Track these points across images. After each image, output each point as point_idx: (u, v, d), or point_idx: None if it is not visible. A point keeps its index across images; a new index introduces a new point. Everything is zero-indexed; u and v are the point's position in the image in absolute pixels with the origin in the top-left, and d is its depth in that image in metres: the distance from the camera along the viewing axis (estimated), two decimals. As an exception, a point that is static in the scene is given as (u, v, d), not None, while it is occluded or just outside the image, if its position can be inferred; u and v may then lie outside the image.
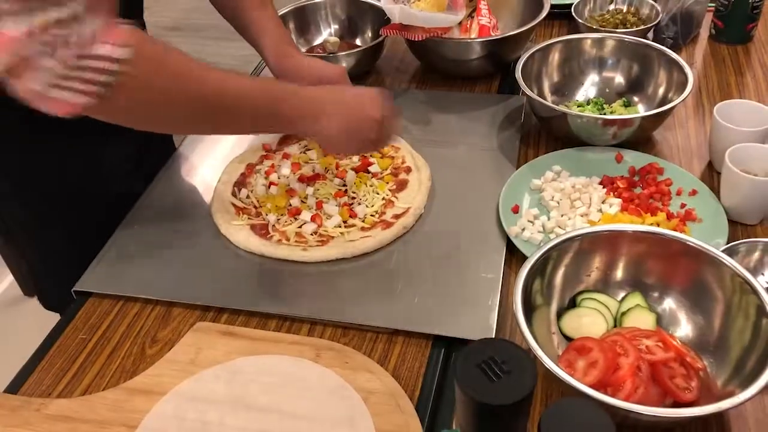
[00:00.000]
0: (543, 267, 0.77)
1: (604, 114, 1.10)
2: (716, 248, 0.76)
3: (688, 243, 0.77)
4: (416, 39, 1.18)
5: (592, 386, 0.65)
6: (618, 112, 1.10)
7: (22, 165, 1.00)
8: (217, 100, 0.82)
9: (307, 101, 0.89)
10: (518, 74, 1.07)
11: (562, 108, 1.03)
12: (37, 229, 1.07)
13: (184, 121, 0.84)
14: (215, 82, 0.82)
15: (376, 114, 0.91)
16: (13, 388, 0.81)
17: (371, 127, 0.91)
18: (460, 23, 1.25)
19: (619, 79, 1.16)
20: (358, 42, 1.40)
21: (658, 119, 1.04)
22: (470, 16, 1.27)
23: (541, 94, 1.13)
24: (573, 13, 1.34)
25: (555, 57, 1.15)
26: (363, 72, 1.32)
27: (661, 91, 1.10)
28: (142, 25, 1.10)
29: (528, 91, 1.04)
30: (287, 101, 0.88)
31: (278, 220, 0.97)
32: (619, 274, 0.81)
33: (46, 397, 0.79)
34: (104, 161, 1.03)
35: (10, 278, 2.31)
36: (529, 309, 0.74)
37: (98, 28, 0.69)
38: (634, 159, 1.02)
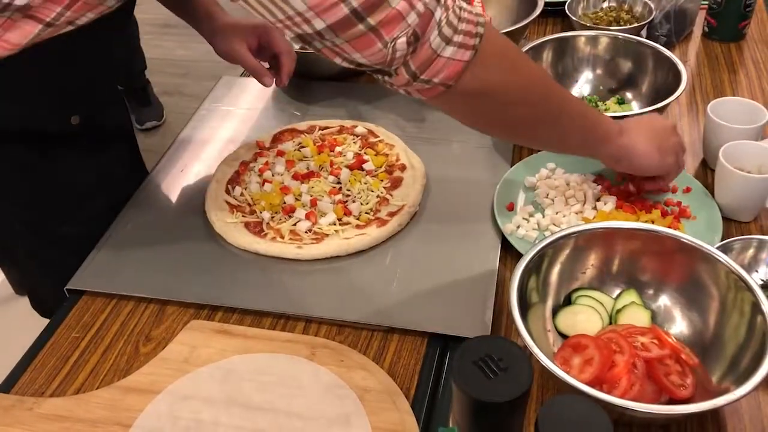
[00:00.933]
0: (538, 264, 0.77)
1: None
2: (711, 245, 0.76)
3: (682, 240, 0.77)
4: None
5: (587, 383, 0.65)
6: (612, 109, 1.10)
7: (20, 175, 0.98)
8: (557, 105, 0.81)
9: (618, 123, 0.87)
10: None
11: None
12: (32, 236, 1.06)
13: (526, 105, 0.80)
14: (555, 85, 0.82)
15: (681, 141, 0.92)
16: (6, 387, 0.80)
17: (673, 149, 0.90)
18: None
19: (613, 76, 1.16)
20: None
21: (652, 117, 1.04)
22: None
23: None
24: (567, 11, 1.34)
25: (549, 54, 1.15)
26: (354, 71, 1.32)
27: (655, 88, 1.10)
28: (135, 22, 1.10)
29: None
30: (606, 118, 0.87)
31: (272, 217, 0.96)
32: (614, 271, 0.81)
33: (39, 396, 0.78)
34: (99, 167, 1.03)
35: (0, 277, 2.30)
36: (524, 306, 0.73)
37: None
38: (629, 156, 1.01)
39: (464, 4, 0.71)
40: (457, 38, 0.69)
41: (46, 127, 0.94)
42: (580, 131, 0.85)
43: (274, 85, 1.10)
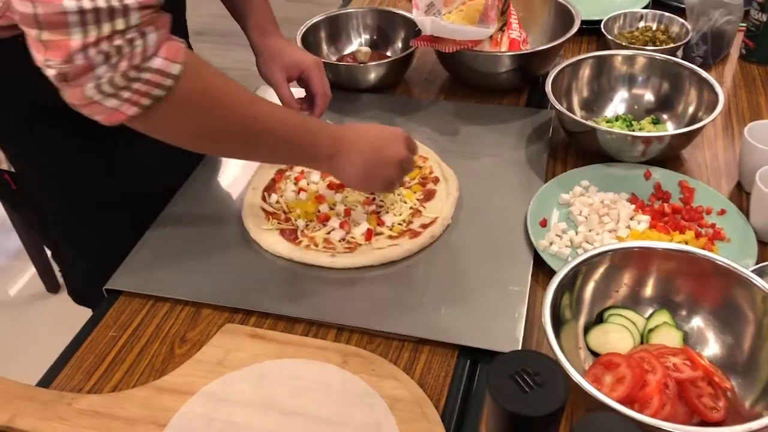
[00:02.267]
0: (572, 281, 0.78)
1: (633, 131, 1.10)
2: (745, 269, 0.76)
3: (718, 263, 0.76)
4: (447, 51, 1.19)
5: (618, 402, 0.65)
6: (647, 129, 1.10)
7: (63, 166, 1.02)
8: (249, 127, 0.83)
9: (328, 138, 0.90)
10: (548, 88, 1.07)
11: (591, 123, 1.04)
12: (73, 228, 1.09)
13: (218, 142, 0.84)
14: (250, 108, 0.83)
15: (399, 153, 0.92)
16: (45, 382, 0.82)
17: (393, 166, 0.92)
18: (491, 36, 1.25)
19: (649, 96, 1.16)
20: (388, 53, 1.41)
21: (687, 138, 1.04)
22: (501, 29, 1.27)
23: (570, 108, 1.13)
24: (602, 30, 1.35)
25: (585, 72, 1.16)
26: (392, 82, 1.34)
27: (690, 109, 1.10)
28: (185, 31, 1.13)
29: (558, 105, 1.05)
30: (310, 136, 0.89)
31: (307, 225, 0.98)
32: (647, 290, 0.81)
33: (77, 393, 0.80)
34: (140, 160, 1.05)
35: (30, 273, 2.35)
36: (557, 323, 0.74)
37: (156, 41, 0.70)
38: (663, 176, 1.02)
39: (156, 65, 0.71)
40: (125, 94, 0.70)
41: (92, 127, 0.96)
42: (282, 155, 0.90)
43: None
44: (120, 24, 0.67)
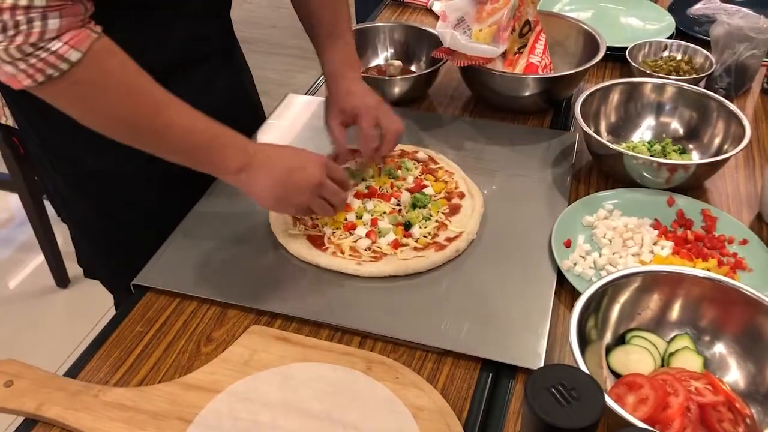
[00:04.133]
0: (599, 301, 0.79)
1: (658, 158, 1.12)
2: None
3: (745, 292, 0.78)
4: (458, 65, 1.24)
5: (641, 422, 0.66)
6: (671, 157, 1.12)
7: (56, 131, 1.04)
8: (147, 125, 0.85)
9: (239, 152, 0.90)
10: (577, 111, 1.09)
11: (618, 148, 1.05)
12: (67, 192, 1.13)
13: (112, 129, 0.86)
14: (154, 107, 0.84)
15: (313, 178, 0.92)
16: (72, 374, 0.83)
17: (305, 191, 0.92)
18: (504, 56, 1.28)
19: (675, 125, 1.18)
20: (413, 68, 1.43)
21: (713, 168, 1.05)
22: (519, 51, 1.29)
23: (597, 132, 1.15)
24: (627, 57, 1.37)
25: (615, 97, 1.18)
26: (416, 97, 1.36)
27: (717, 140, 1.12)
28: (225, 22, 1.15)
29: (586, 128, 1.07)
30: (218, 145, 0.89)
31: (334, 233, 0.99)
32: (671, 314, 0.82)
33: (103, 385, 0.81)
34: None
35: (33, 265, 2.36)
36: (583, 342, 0.75)
37: (60, 26, 0.75)
38: (685, 204, 1.03)
39: (54, 48, 0.75)
40: (21, 65, 0.75)
41: None
42: (184, 159, 0.89)
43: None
44: (23, 0, 0.71)
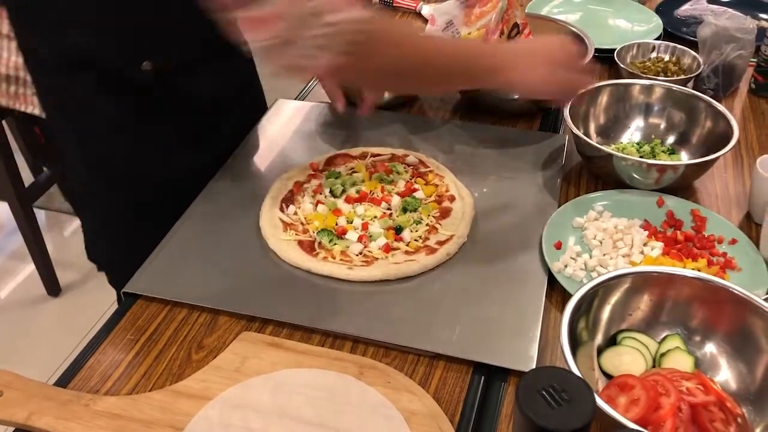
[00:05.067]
0: (590, 303, 0.79)
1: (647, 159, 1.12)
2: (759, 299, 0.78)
3: (735, 292, 0.78)
4: None
5: (633, 422, 0.66)
6: (660, 158, 1.13)
7: (91, 121, 1.07)
8: (425, 61, 0.93)
9: (500, 55, 1.00)
10: (566, 113, 1.09)
11: (608, 149, 1.06)
12: (88, 184, 1.15)
13: (404, 81, 0.96)
14: (425, 46, 0.94)
15: (566, 50, 1.03)
16: (62, 383, 0.83)
17: (565, 65, 1.02)
18: None
19: (664, 126, 1.18)
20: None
21: (701, 168, 1.06)
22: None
23: (586, 134, 1.15)
24: (615, 58, 1.38)
25: (603, 99, 1.18)
26: (406, 101, 1.36)
27: (705, 141, 1.12)
28: None
29: (575, 130, 1.07)
30: (482, 57, 0.99)
31: (330, 241, 0.99)
32: (662, 315, 0.82)
33: (94, 394, 0.81)
34: (163, 135, 1.12)
35: (24, 275, 2.35)
36: (574, 344, 0.75)
37: None
38: (675, 204, 1.04)
39: (345, 15, 0.77)
40: (330, 45, 0.77)
41: (118, 67, 1.02)
42: (459, 82, 1.04)
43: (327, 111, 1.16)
44: None
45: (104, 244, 1.26)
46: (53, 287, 2.27)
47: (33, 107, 1.07)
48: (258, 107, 1.33)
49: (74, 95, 1.04)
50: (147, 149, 1.10)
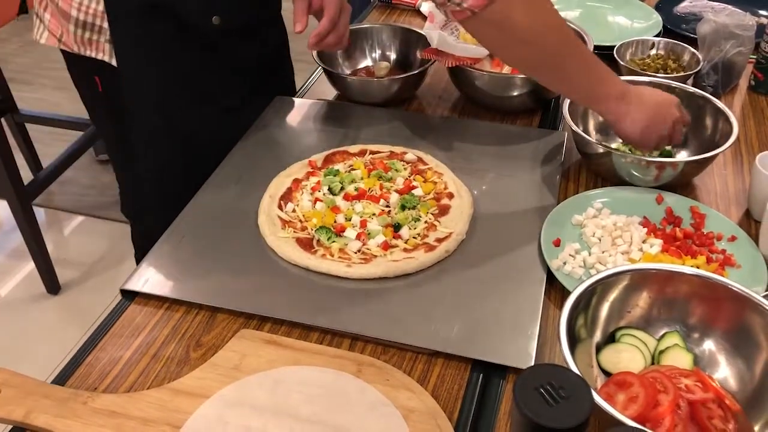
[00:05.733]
0: (588, 300, 0.79)
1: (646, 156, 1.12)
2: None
3: (734, 289, 0.78)
4: (447, 65, 1.24)
5: (631, 420, 0.66)
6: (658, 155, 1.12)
7: (168, 65, 1.17)
8: (567, 55, 0.97)
9: (619, 81, 1.02)
10: (566, 110, 1.09)
11: (607, 146, 1.05)
12: (151, 136, 1.24)
13: (529, 56, 0.97)
14: (572, 38, 0.97)
15: (675, 115, 1.05)
16: (60, 380, 0.83)
17: (668, 121, 1.04)
18: (492, 56, 1.28)
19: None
20: (401, 69, 1.43)
21: (701, 165, 1.06)
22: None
23: (586, 131, 1.15)
24: (615, 55, 1.37)
25: (602, 97, 1.18)
26: (405, 98, 1.36)
27: (704, 138, 1.12)
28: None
29: (574, 127, 1.07)
30: (605, 71, 1.00)
31: (328, 239, 0.99)
32: (661, 312, 0.82)
33: (92, 391, 0.80)
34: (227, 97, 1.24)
35: (23, 273, 2.35)
36: (572, 341, 0.75)
37: None
38: (674, 201, 1.03)
39: None
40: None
41: (192, 18, 1.11)
42: (582, 85, 1.01)
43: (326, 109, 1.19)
44: None
45: (142, 193, 1.33)
46: (52, 285, 2.26)
47: (104, 54, 1.13)
48: (288, 84, 1.44)
49: (148, 43, 1.12)
50: (205, 104, 1.20)
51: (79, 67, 1.21)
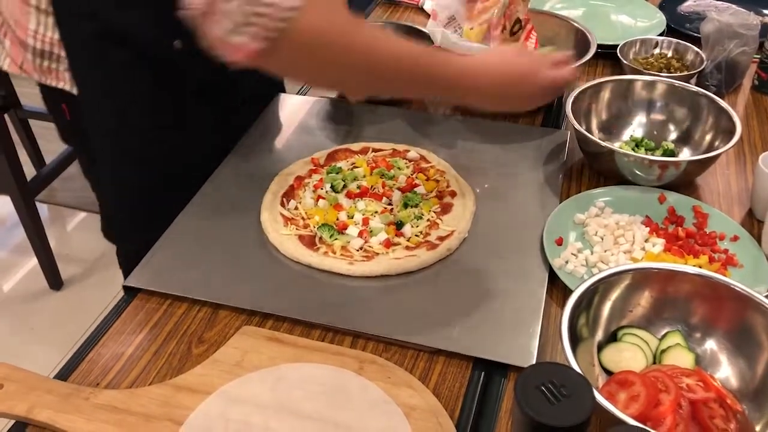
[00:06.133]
0: (590, 299, 0.79)
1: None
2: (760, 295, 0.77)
3: (736, 288, 0.78)
4: None
5: (633, 419, 0.66)
6: (660, 154, 1.12)
7: (126, 97, 1.09)
8: (374, 61, 0.86)
9: (461, 67, 0.94)
10: (568, 109, 1.09)
11: (610, 145, 1.05)
12: (117, 164, 1.17)
13: (343, 78, 0.88)
14: (375, 43, 0.86)
15: (540, 81, 0.98)
16: (62, 376, 0.83)
17: (528, 84, 0.98)
18: None
19: (667, 122, 1.18)
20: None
21: (703, 165, 1.06)
22: (510, 49, 1.29)
23: (588, 130, 1.15)
24: (618, 54, 1.37)
25: (606, 95, 1.18)
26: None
27: (707, 137, 1.12)
28: None
29: (578, 126, 1.07)
30: (442, 67, 0.92)
31: (330, 236, 0.99)
32: (663, 311, 0.82)
33: (94, 387, 0.81)
34: (195, 126, 1.15)
35: (26, 268, 2.36)
36: (574, 340, 0.75)
37: None
38: (677, 201, 1.03)
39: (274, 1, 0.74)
40: (250, 30, 0.74)
41: (152, 44, 1.04)
42: (415, 89, 0.95)
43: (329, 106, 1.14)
44: None
45: (119, 219, 1.28)
46: (55, 281, 2.27)
47: (64, 83, 1.09)
48: (270, 91, 1.35)
49: (108, 70, 1.06)
50: (170, 127, 1.13)
51: (47, 94, 1.16)
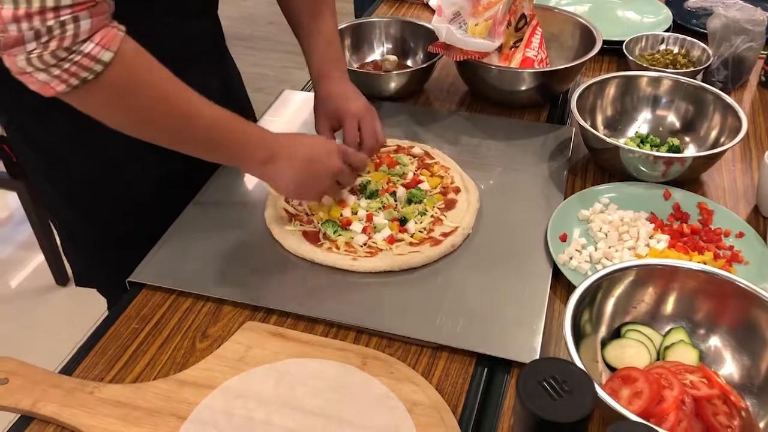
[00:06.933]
0: (594, 295, 0.79)
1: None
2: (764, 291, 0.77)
3: (741, 285, 0.77)
4: (454, 59, 1.24)
5: (636, 415, 0.66)
6: (665, 151, 1.12)
7: (49, 137, 1.04)
8: (176, 121, 0.85)
9: (262, 144, 0.92)
10: (573, 105, 1.09)
11: (615, 141, 1.05)
12: (57, 200, 1.13)
13: (143, 129, 0.86)
14: (179, 104, 0.85)
15: (333, 166, 0.96)
16: (67, 371, 0.83)
17: (324, 178, 0.96)
18: (500, 50, 1.28)
19: (672, 118, 1.17)
20: (409, 62, 1.43)
21: (709, 161, 1.05)
22: (515, 45, 1.29)
23: (594, 126, 1.15)
24: (624, 50, 1.37)
25: (611, 91, 1.18)
26: (412, 92, 1.35)
27: (713, 133, 1.12)
28: (215, 21, 1.14)
29: (582, 123, 1.06)
30: (243, 139, 0.91)
31: (334, 232, 0.99)
32: (666, 308, 0.82)
33: (99, 381, 0.81)
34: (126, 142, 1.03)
35: (33, 264, 2.37)
36: (577, 336, 0.75)
37: (91, 26, 0.73)
38: (682, 197, 1.03)
39: (88, 50, 0.74)
40: (54, 71, 0.73)
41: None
42: (212, 153, 0.92)
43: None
44: (50, 1, 0.69)
45: (71, 253, 1.25)
46: (61, 277, 2.28)
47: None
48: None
49: (27, 111, 1.00)
50: (102, 162, 1.06)
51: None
